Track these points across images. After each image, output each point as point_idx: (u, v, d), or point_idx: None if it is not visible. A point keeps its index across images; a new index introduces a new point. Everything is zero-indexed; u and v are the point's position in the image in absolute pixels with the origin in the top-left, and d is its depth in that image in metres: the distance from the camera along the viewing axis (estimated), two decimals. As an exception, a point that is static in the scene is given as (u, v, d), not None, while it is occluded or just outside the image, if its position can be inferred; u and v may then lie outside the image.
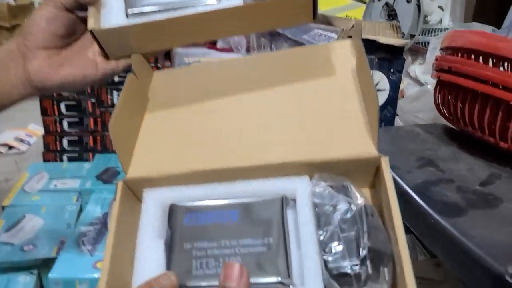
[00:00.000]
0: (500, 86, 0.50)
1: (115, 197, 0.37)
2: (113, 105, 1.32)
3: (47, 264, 0.90)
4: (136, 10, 0.46)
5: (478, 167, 0.53)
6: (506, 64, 0.52)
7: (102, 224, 0.95)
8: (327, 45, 0.49)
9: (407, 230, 0.60)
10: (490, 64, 0.53)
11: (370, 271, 0.33)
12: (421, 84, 1.07)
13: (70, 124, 1.35)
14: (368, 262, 0.34)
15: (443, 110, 0.62)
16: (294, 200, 0.38)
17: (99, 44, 0.47)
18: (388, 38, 0.70)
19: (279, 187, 0.38)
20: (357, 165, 0.38)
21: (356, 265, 0.33)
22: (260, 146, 0.40)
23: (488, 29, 1.13)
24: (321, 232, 0.36)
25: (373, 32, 0.71)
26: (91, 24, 0.46)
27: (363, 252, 0.34)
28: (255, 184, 0.39)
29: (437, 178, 0.51)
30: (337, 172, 0.38)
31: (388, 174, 0.35)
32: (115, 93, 1.31)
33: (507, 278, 0.35)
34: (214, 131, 0.43)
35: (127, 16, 0.47)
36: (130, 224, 0.38)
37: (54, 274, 0.79)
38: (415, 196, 0.47)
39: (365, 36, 0.70)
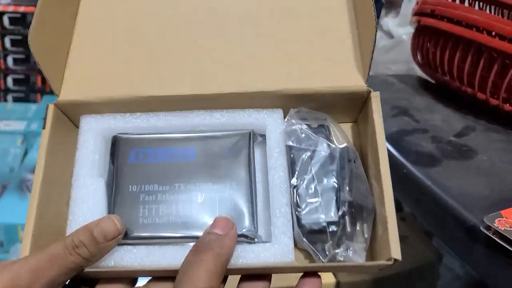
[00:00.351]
0: (485, 32, 0.46)
1: (45, 124, 0.30)
2: (64, 42, 1.21)
3: (-14, 209, 0.83)
4: None
5: (453, 119, 0.50)
6: (493, 8, 0.49)
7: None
8: None
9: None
10: (477, 6, 0.49)
11: (348, 228, 0.29)
12: (394, 37, 1.04)
13: (15, 61, 1.23)
14: (346, 218, 0.30)
15: (420, 59, 0.59)
16: (263, 137, 0.32)
17: None
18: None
19: (245, 121, 0.32)
20: (341, 99, 0.32)
21: (334, 222, 0.29)
22: (225, 71, 0.33)
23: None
24: (294, 181, 0.31)
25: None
26: None
27: (342, 208, 0.30)
28: (216, 116, 0.32)
29: (412, 127, 0.48)
30: (317, 106, 0.33)
31: (378, 113, 0.30)
32: (66, 28, 1.20)
33: (482, 228, 0.33)
34: (167, 50, 0.34)
35: None
36: (64, 157, 0.32)
37: (-7, 219, 0.73)
38: (389, 146, 0.44)
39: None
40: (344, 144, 0.32)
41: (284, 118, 0.33)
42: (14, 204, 0.77)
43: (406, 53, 0.77)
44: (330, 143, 0.32)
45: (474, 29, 0.47)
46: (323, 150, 0.31)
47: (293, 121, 0.32)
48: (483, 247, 0.33)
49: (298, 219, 0.30)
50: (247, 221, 0.29)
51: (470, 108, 0.52)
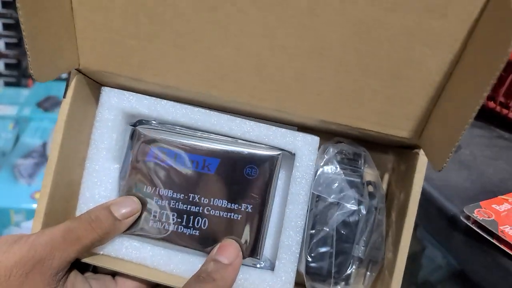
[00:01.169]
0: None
1: (65, 94, 0.28)
2: (57, 28, 1.20)
3: (-22, 193, 0.83)
4: None
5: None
6: None
7: (41, 155, 0.89)
8: None
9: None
10: None
11: (351, 278, 0.29)
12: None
13: (7, 45, 1.22)
14: (353, 270, 0.29)
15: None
16: (293, 160, 0.29)
17: None
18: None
19: (278, 140, 0.29)
20: (386, 148, 0.30)
21: (340, 281, 0.29)
22: (265, 84, 0.27)
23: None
24: (312, 231, 0.29)
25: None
26: None
27: (352, 265, 0.29)
28: (247, 126, 0.29)
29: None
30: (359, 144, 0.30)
31: (420, 174, 0.27)
32: (60, 14, 1.19)
33: (462, 218, 0.35)
34: (199, 40, 0.26)
35: None
36: (81, 132, 0.29)
37: (-15, 202, 0.74)
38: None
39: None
40: (374, 178, 0.30)
41: (319, 146, 0.30)
42: (6, 188, 0.77)
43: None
44: (359, 196, 0.29)
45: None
46: (350, 204, 0.29)
47: (328, 156, 0.29)
48: (462, 236, 0.35)
49: (307, 264, 0.29)
50: (253, 248, 0.28)
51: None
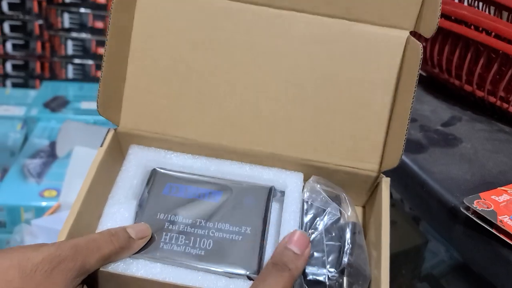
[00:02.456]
0: (473, 27, 0.49)
1: (103, 143, 0.34)
2: (63, 29, 1.22)
3: (-12, 191, 0.85)
4: None
5: (441, 109, 0.53)
6: (481, 4, 0.52)
7: (49, 155, 0.91)
8: (380, 31, 0.35)
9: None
10: (466, 2, 0.51)
11: (344, 286, 0.31)
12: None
13: (14, 47, 1.24)
14: (345, 278, 0.32)
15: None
16: (282, 193, 0.35)
17: None
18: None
19: (269, 177, 0.36)
20: (355, 179, 0.35)
21: (334, 276, 0.31)
22: (261, 129, 0.35)
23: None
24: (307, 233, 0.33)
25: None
26: None
27: (343, 265, 0.32)
28: (246, 168, 0.36)
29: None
30: (334, 179, 0.36)
31: (386, 195, 0.33)
32: (66, 15, 1.21)
33: (462, 209, 0.35)
34: (214, 96, 0.36)
35: None
36: (108, 175, 0.35)
37: (-3, 200, 0.75)
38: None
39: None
40: (354, 215, 0.34)
41: (304, 180, 0.36)
42: (16, 187, 0.79)
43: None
44: (342, 210, 0.34)
45: (463, 24, 0.50)
46: (334, 213, 0.34)
47: (312, 185, 0.35)
48: (462, 227, 0.36)
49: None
50: (253, 264, 0.31)
51: (457, 99, 0.55)
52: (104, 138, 0.35)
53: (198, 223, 0.33)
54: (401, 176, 0.43)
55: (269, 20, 0.35)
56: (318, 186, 0.35)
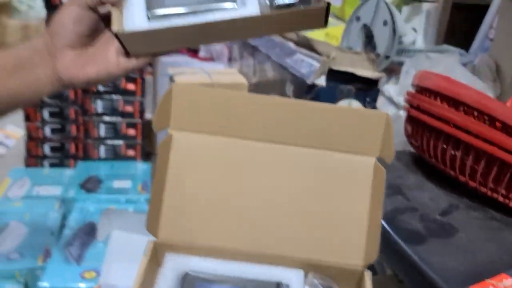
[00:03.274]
0: (461, 128, 0.57)
1: (145, 253, 0.42)
2: (97, 114, 1.35)
3: (33, 272, 0.92)
4: (157, 12, 0.49)
5: (440, 196, 0.59)
6: (465, 108, 0.60)
7: (87, 234, 0.99)
8: (355, 158, 0.46)
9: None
10: (453, 107, 0.60)
11: None
12: (395, 104, 1.15)
13: (52, 131, 1.36)
14: None
15: (411, 140, 0.69)
16: (288, 287, 0.44)
17: (122, 44, 0.49)
18: (365, 70, 0.77)
19: (277, 274, 0.45)
20: (344, 273, 0.44)
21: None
22: (269, 236, 0.45)
23: (456, 52, 1.22)
24: None
25: (352, 64, 0.78)
26: (115, 27, 0.48)
27: None
28: (258, 268, 0.45)
29: (404, 206, 0.57)
30: (327, 273, 0.45)
31: (369, 285, 0.42)
32: (99, 102, 1.34)
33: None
34: (232, 214, 0.45)
35: (148, 18, 0.49)
36: (148, 282, 0.42)
37: (44, 283, 0.83)
38: (386, 225, 0.54)
39: (344, 68, 0.76)
40: None
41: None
42: (59, 269, 0.86)
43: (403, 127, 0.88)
44: None
45: (452, 126, 0.58)
46: None
47: (311, 280, 0.45)
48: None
49: None
50: None
51: (454, 187, 0.61)
52: (146, 249, 0.43)
53: None
54: (404, 264, 0.49)
55: (268, 152, 0.46)
56: (316, 281, 0.44)
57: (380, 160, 0.45)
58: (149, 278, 0.43)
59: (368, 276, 0.43)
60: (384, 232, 0.53)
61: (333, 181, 0.45)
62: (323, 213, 0.45)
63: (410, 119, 0.68)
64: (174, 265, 0.44)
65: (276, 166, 0.46)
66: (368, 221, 0.44)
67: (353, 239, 0.44)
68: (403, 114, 0.93)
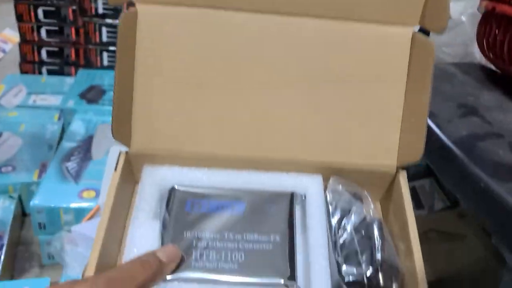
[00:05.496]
0: None
1: (116, 167, 0.34)
2: (97, 15, 1.18)
3: (28, 187, 0.83)
4: None
5: (529, 120, 0.46)
6: None
7: (87, 149, 0.88)
8: (385, 29, 0.35)
9: (426, 173, 0.55)
10: None
11: (381, 283, 0.32)
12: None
13: (49, 33, 1.21)
14: (380, 274, 0.32)
15: (487, 48, 0.54)
16: (304, 197, 0.36)
17: None
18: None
19: (288, 183, 0.36)
20: (372, 177, 0.36)
21: (371, 274, 0.32)
22: (276, 136, 0.35)
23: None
24: (337, 235, 0.34)
25: None
26: None
27: (377, 262, 0.32)
28: (264, 177, 0.36)
29: (484, 131, 0.44)
30: (351, 178, 0.36)
31: (405, 189, 0.34)
32: (99, 0, 1.17)
33: None
34: (226, 108, 0.35)
35: None
36: (125, 198, 0.35)
37: (36, 201, 0.73)
38: (460, 153, 0.41)
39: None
40: (376, 212, 0.35)
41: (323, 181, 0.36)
42: (55, 188, 0.77)
43: (464, 35, 0.71)
44: (366, 208, 0.35)
45: None
46: (359, 213, 0.34)
47: (334, 186, 0.36)
48: None
49: (339, 269, 0.32)
50: (287, 271, 0.31)
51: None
52: (117, 162, 0.34)
53: (226, 237, 0.33)
54: (493, 209, 0.37)
55: (275, 28, 0.35)
56: (340, 186, 0.36)
57: (424, 31, 0.34)
58: (125, 198, 0.35)
59: (403, 177, 0.34)
60: (460, 163, 0.40)
61: (357, 62, 0.35)
62: (344, 104, 0.35)
63: (487, 19, 0.52)
64: (155, 179, 0.36)
65: (281, 44, 0.35)
66: (404, 111, 0.35)
67: (384, 135, 0.35)
68: (464, 20, 0.76)
